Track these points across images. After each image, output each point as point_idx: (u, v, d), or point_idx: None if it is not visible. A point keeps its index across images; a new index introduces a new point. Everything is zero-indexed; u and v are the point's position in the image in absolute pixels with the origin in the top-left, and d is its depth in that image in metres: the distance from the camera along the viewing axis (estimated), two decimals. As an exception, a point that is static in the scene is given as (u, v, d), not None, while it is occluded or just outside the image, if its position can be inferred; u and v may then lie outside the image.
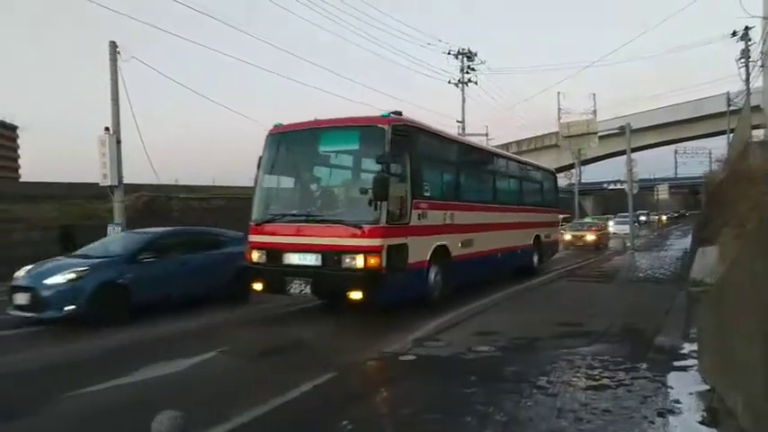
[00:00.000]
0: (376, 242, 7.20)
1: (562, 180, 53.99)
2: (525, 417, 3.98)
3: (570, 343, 6.22)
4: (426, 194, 8.38)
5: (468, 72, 35.54)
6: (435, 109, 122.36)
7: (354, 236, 7.25)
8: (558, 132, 36.63)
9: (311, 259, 7.58)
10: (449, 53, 35.14)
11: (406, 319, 7.66)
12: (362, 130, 8.01)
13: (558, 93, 51.94)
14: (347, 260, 7.24)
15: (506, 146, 47.82)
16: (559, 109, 50.82)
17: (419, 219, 8.02)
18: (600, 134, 27.69)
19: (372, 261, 7.11)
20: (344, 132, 8.16)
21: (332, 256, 7.38)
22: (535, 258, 13.80)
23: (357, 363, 5.58)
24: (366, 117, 8.06)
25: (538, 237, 13.84)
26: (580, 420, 3.86)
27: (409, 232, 7.76)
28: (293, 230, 7.80)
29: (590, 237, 24.23)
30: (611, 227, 33.20)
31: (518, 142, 47.00)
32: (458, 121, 33.95)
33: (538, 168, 15.66)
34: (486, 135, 37.36)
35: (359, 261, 7.17)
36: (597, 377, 4.89)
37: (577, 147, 30.39)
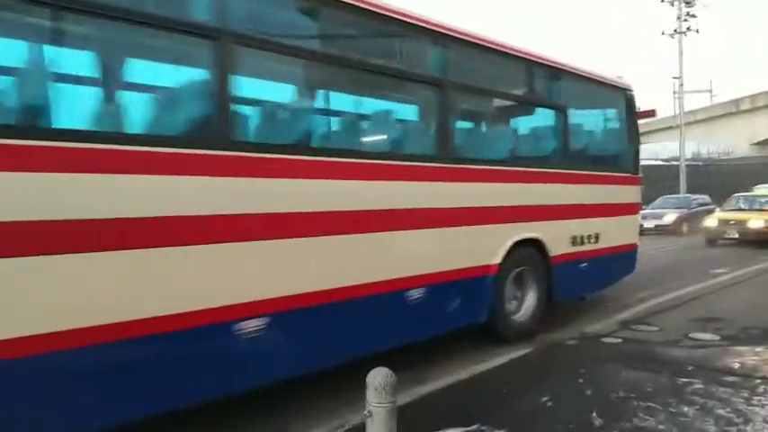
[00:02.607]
0: None
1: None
2: (760, 416, 3.49)
3: (822, 337, 5.22)
4: None
5: (686, 19, 31.05)
6: (644, 65, 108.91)
7: None
8: (809, 82, 30.10)
9: None
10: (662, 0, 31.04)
11: (613, 297, 7.18)
12: None
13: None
14: None
15: (735, 102, 40.84)
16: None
17: None
18: None
19: None
20: None
21: None
22: (507, 304, 5.36)
23: (556, 340, 5.46)
24: None
25: (536, 245, 5.55)
26: (835, 429, 3.26)
27: None
28: None
29: (756, 222, 13.77)
30: None
31: (752, 97, 39.77)
32: (674, 77, 29.96)
33: (550, 69, 5.99)
34: (710, 92, 32.42)
35: None
36: None
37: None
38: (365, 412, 2.57)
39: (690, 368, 4.45)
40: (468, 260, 4.86)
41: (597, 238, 6.33)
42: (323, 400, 3.92)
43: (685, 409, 3.64)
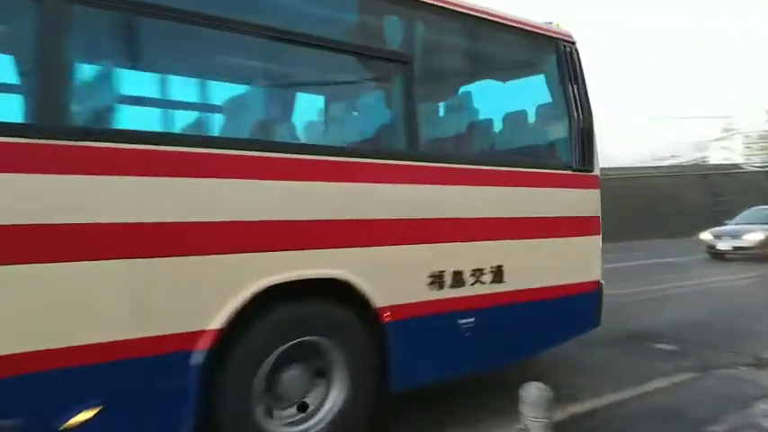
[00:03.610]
0: None
1: None
2: None
3: None
4: None
5: None
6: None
7: None
8: None
9: None
10: None
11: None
12: None
13: None
14: None
15: None
16: None
17: None
18: None
19: None
20: None
21: None
22: (262, 408, 2.90)
23: (725, 364, 4.98)
24: None
25: (342, 290, 3.14)
26: None
27: None
28: None
29: None
30: None
31: None
32: None
33: None
34: None
35: None
36: None
37: None
38: (520, 426, 2.61)
39: None
40: (124, 328, 2.44)
41: (498, 274, 3.80)
42: (472, 411, 3.96)
43: None
